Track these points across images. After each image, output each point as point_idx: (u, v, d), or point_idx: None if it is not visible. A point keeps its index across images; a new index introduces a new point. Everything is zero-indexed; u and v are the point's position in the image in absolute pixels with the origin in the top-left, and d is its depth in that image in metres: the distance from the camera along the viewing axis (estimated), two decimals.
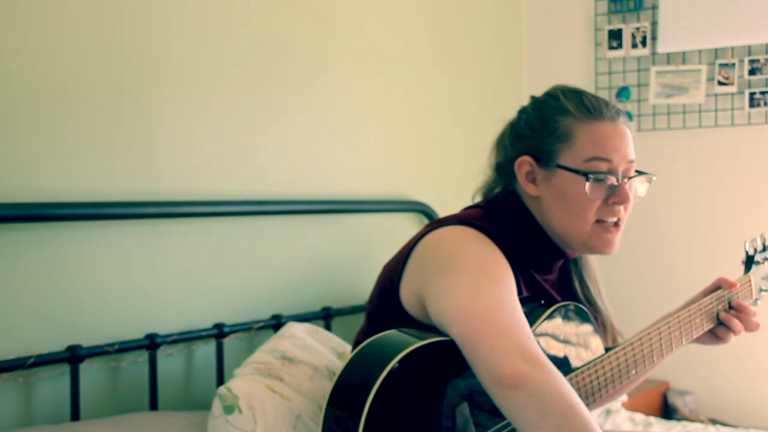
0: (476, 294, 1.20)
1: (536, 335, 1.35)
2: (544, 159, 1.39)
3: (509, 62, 3.14)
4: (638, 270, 2.98)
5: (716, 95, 2.81)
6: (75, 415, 1.58)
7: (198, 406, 1.85)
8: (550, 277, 1.50)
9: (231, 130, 1.99)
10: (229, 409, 1.45)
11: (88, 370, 1.65)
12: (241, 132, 2.02)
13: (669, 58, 2.89)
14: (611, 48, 2.98)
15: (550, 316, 1.39)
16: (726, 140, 2.83)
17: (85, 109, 1.68)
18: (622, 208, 1.39)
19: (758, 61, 2.73)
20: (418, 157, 2.63)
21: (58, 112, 1.63)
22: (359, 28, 2.40)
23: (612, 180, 1.36)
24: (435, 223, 1.42)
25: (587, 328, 1.46)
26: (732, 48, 2.77)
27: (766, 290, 1.64)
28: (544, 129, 1.41)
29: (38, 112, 1.60)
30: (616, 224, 1.40)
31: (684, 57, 2.86)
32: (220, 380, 1.88)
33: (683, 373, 2.87)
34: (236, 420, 1.44)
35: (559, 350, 1.39)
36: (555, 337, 1.39)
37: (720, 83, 2.79)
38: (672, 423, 2.51)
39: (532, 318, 1.36)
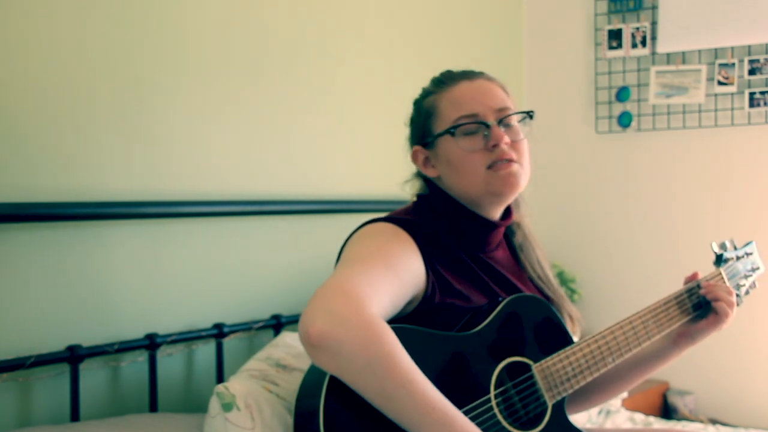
0: (346, 275, 1.21)
1: (490, 324, 1.34)
2: (427, 141, 1.48)
3: (509, 62, 3.14)
4: (638, 269, 2.99)
5: (716, 95, 2.81)
6: (75, 416, 1.58)
7: (198, 406, 1.85)
8: (495, 254, 1.51)
9: (231, 131, 1.99)
10: (227, 407, 1.45)
11: (88, 370, 1.65)
12: (241, 132, 2.02)
13: (669, 58, 2.89)
14: (611, 48, 2.98)
15: (505, 307, 1.38)
16: (726, 140, 2.83)
17: (85, 110, 1.68)
18: (505, 147, 1.40)
19: (758, 61, 2.73)
20: None
21: (59, 113, 1.64)
22: (359, 29, 2.41)
23: (483, 130, 1.41)
24: (365, 222, 1.45)
25: (554, 318, 1.46)
26: (732, 48, 2.77)
27: (743, 286, 1.67)
28: (418, 117, 1.52)
29: (39, 113, 1.60)
30: (510, 161, 1.42)
31: (684, 57, 2.86)
32: (220, 380, 1.88)
33: (683, 373, 2.87)
34: (235, 418, 1.44)
35: (522, 339, 1.38)
36: (515, 327, 1.38)
37: (720, 83, 2.79)
38: (672, 423, 2.51)
39: (485, 315, 1.36)
